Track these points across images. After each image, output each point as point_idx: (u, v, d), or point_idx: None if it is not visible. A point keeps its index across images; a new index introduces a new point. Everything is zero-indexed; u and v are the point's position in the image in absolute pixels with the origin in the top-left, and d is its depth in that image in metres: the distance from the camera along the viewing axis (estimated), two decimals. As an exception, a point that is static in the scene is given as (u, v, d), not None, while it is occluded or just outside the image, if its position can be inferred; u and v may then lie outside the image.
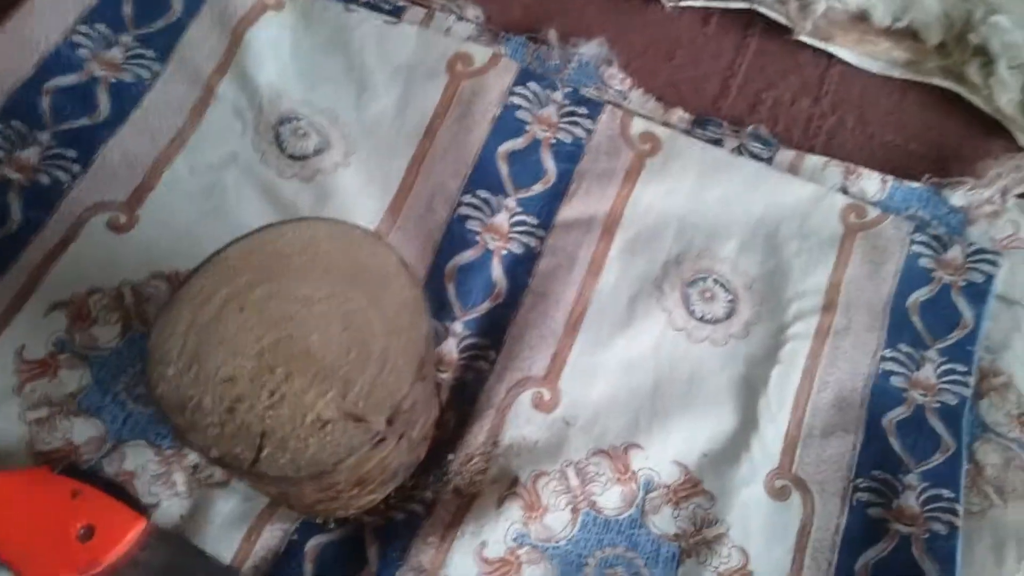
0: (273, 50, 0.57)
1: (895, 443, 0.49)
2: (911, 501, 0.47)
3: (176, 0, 0.58)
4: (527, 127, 0.56)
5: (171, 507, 0.45)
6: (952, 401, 0.51)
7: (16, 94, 0.54)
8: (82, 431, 0.46)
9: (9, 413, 0.46)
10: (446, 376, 0.49)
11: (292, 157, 0.54)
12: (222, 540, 0.44)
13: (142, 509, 0.43)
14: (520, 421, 0.48)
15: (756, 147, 0.58)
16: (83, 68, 0.55)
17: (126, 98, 0.55)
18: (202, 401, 0.32)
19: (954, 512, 0.47)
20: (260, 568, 0.44)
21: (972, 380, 0.51)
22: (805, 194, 0.56)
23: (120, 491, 0.43)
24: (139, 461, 0.45)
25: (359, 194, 0.54)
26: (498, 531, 0.44)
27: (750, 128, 0.59)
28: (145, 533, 0.42)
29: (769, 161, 0.58)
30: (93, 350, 0.48)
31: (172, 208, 0.52)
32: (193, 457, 0.45)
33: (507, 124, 0.56)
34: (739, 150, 0.58)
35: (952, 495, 0.47)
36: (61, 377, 0.47)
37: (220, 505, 0.45)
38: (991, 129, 0.61)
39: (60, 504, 0.41)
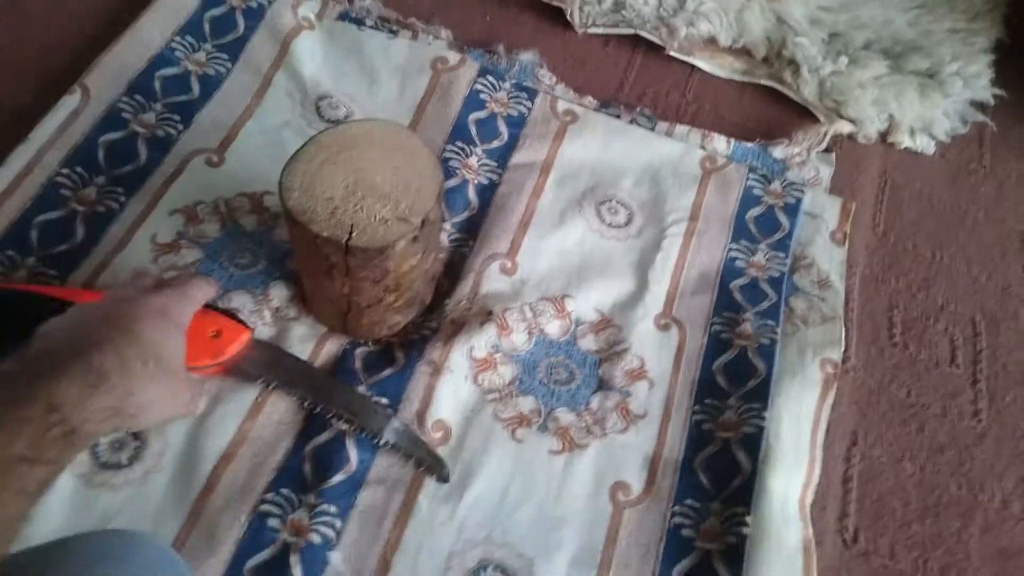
0: (310, 54, 0.82)
1: (738, 297, 0.75)
2: (747, 328, 0.72)
3: (240, 21, 0.83)
4: (487, 104, 0.82)
5: (262, 331, 0.66)
6: (776, 274, 0.76)
7: (137, 79, 0.77)
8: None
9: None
10: (441, 256, 0.73)
11: (329, 121, 0.78)
12: (299, 350, 0.66)
13: (247, 326, 0.64)
14: (492, 280, 0.72)
15: (643, 120, 0.85)
16: (180, 64, 0.79)
17: (211, 84, 0.79)
18: (315, 208, 0.55)
19: (775, 332, 0.72)
20: (325, 366, 0.66)
21: (788, 262, 0.77)
22: (676, 150, 0.83)
23: (232, 315, 0.64)
24: (241, 302, 0.67)
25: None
26: (481, 341, 0.67)
27: (639, 109, 0.86)
28: (251, 340, 0.63)
29: (652, 129, 0.84)
30: (203, 238, 0.70)
31: (248, 153, 0.75)
32: (276, 301, 0.67)
33: (474, 101, 0.82)
34: (632, 122, 0.84)
35: (774, 323, 0.72)
36: (183, 254, 0.69)
37: (295, 331, 0.67)
38: (800, 112, 0.90)
39: (198, 316, 0.62)
